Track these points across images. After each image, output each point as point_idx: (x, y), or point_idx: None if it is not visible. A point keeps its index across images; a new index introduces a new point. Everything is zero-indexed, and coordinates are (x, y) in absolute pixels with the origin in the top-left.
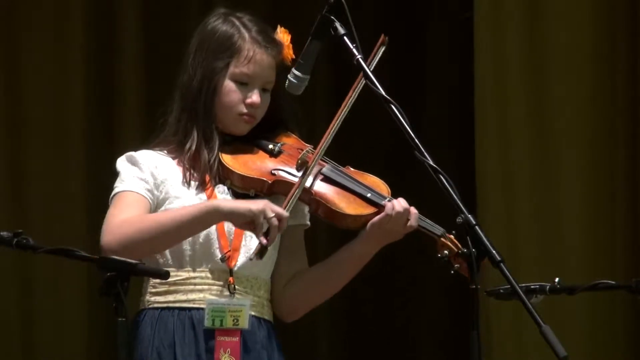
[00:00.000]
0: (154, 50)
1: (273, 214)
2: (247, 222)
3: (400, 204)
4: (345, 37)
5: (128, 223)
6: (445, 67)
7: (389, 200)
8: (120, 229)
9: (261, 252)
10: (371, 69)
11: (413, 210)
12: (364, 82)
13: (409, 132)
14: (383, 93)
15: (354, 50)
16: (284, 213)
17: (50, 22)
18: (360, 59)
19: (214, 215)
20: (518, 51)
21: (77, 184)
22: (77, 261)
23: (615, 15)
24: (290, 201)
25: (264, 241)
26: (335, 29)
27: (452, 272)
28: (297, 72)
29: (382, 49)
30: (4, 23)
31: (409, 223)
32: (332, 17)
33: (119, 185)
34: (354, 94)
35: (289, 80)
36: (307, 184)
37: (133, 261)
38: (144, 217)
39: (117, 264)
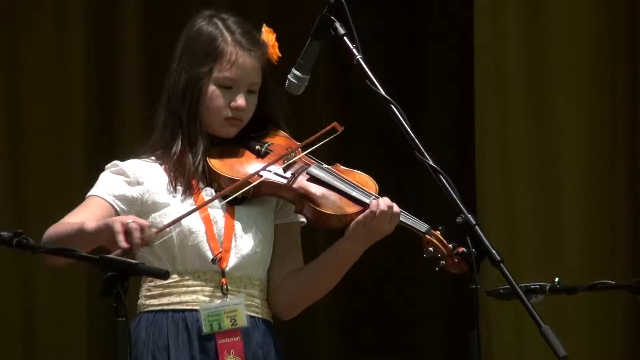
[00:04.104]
0: (154, 50)
1: (131, 220)
2: (109, 236)
3: (384, 202)
4: (345, 37)
5: (59, 224)
6: (445, 67)
7: (374, 199)
8: (51, 227)
9: (123, 255)
10: (312, 149)
11: (396, 207)
12: (335, 133)
13: (409, 132)
14: (383, 93)
15: (354, 50)
16: (144, 222)
17: (50, 22)
18: (360, 59)
19: (85, 235)
20: (518, 51)
21: (77, 184)
22: (77, 261)
23: (616, 14)
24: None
25: (124, 245)
26: (335, 29)
27: (437, 269)
28: (297, 72)
29: (333, 135)
30: (4, 23)
31: (392, 220)
32: (332, 17)
33: (90, 190)
34: (323, 138)
35: (289, 81)
36: (286, 182)
37: (133, 261)
38: (68, 222)
39: (117, 264)
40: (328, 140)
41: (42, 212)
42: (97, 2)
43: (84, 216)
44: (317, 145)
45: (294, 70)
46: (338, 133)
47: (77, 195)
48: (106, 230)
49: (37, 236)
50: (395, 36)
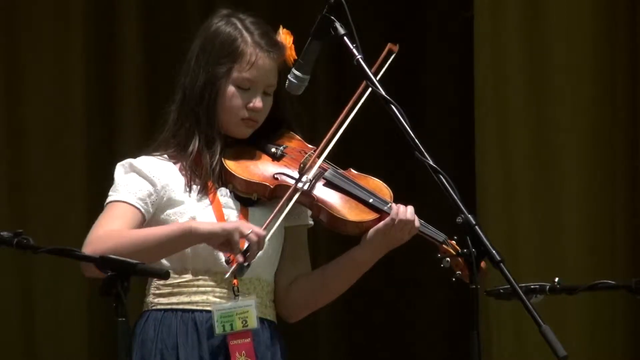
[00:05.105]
0: (154, 51)
1: (249, 230)
2: (223, 242)
3: (405, 210)
4: (345, 37)
5: (108, 236)
6: (445, 67)
7: (393, 206)
8: (99, 241)
9: (239, 271)
10: (378, 77)
11: (417, 220)
12: (368, 90)
13: (409, 133)
14: (383, 93)
15: (354, 51)
16: (261, 231)
17: (50, 21)
18: (360, 59)
19: (190, 237)
20: (518, 51)
21: (77, 185)
22: (77, 261)
23: (615, 14)
24: (281, 210)
25: (241, 259)
26: (335, 29)
27: (454, 279)
28: (297, 72)
29: (392, 57)
30: (4, 22)
31: (412, 229)
32: (332, 17)
33: (112, 195)
34: (357, 101)
35: (289, 81)
36: (307, 187)
37: (133, 261)
38: (124, 232)
39: (117, 264)
40: (389, 62)
41: (42, 212)
42: (97, 2)
43: (119, 225)
44: (382, 70)
45: (294, 70)
46: (395, 53)
47: (77, 195)
48: (222, 237)
49: (37, 236)
50: (396, 36)
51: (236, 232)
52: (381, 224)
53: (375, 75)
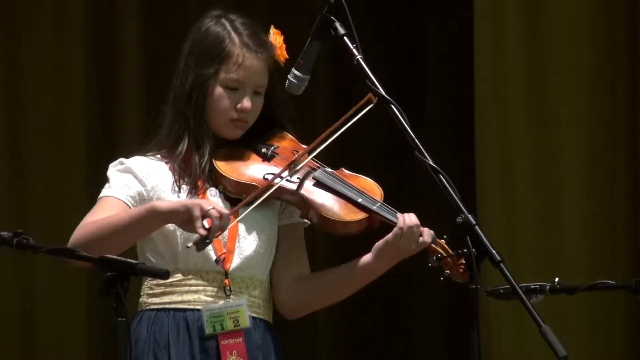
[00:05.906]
0: (154, 50)
1: (210, 207)
2: (185, 219)
3: (411, 219)
4: (345, 37)
5: (91, 223)
6: (445, 67)
7: (379, 208)
8: (83, 228)
9: (200, 243)
10: (350, 124)
11: (427, 230)
12: (370, 105)
13: (408, 132)
14: (383, 93)
15: (354, 50)
16: (224, 209)
17: (50, 22)
18: (360, 59)
19: (153, 217)
20: (518, 51)
21: (77, 184)
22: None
23: (616, 14)
24: (251, 202)
25: (202, 232)
26: (335, 29)
27: (442, 278)
28: (297, 72)
29: (368, 107)
30: (4, 23)
31: (421, 239)
32: (332, 17)
33: (103, 191)
34: (358, 112)
35: (289, 81)
36: (295, 187)
37: (133, 261)
38: (104, 218)
39: (117, 264)
40: (363, 113)
41: (42, 212)
42: (97, 2)
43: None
44: (353, 121)
45: (294, 70)
46: (373, 104)
47: (77, 195)
48: (183, 213)
49: (37, 236)
50: (395, 36)
51: (196, 207)
52: (390, 235)
53: (348, 121)
